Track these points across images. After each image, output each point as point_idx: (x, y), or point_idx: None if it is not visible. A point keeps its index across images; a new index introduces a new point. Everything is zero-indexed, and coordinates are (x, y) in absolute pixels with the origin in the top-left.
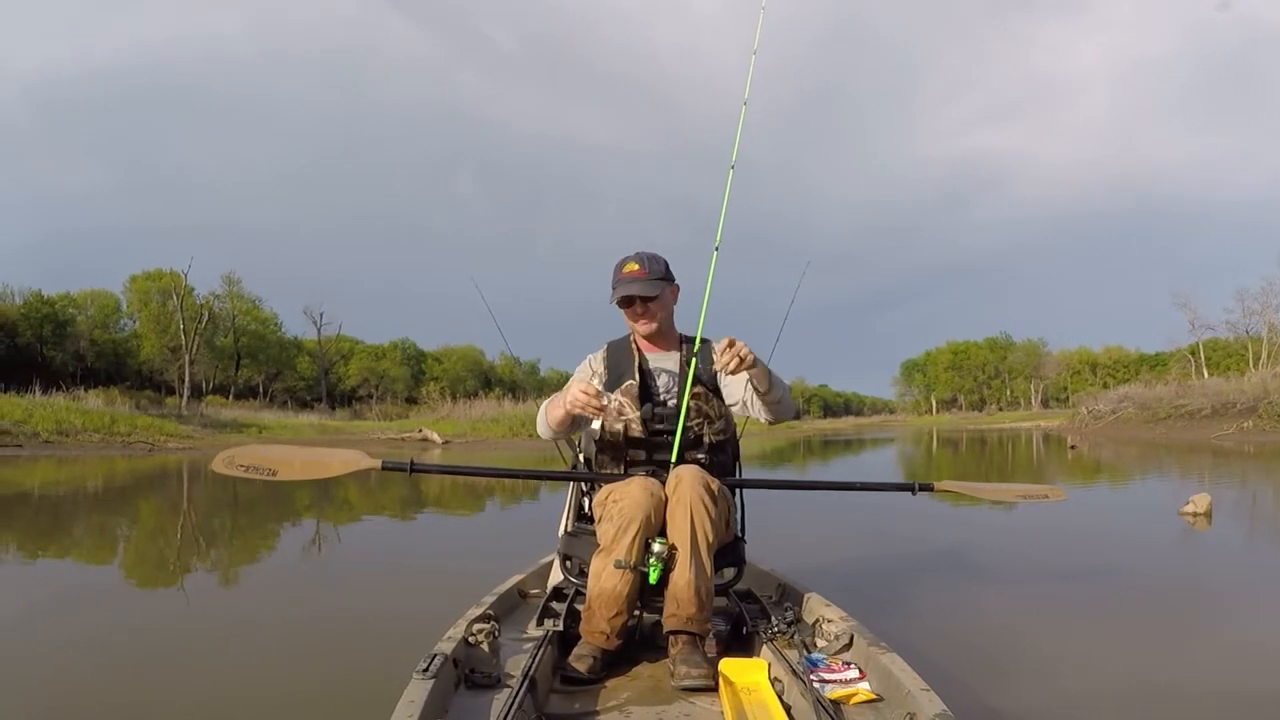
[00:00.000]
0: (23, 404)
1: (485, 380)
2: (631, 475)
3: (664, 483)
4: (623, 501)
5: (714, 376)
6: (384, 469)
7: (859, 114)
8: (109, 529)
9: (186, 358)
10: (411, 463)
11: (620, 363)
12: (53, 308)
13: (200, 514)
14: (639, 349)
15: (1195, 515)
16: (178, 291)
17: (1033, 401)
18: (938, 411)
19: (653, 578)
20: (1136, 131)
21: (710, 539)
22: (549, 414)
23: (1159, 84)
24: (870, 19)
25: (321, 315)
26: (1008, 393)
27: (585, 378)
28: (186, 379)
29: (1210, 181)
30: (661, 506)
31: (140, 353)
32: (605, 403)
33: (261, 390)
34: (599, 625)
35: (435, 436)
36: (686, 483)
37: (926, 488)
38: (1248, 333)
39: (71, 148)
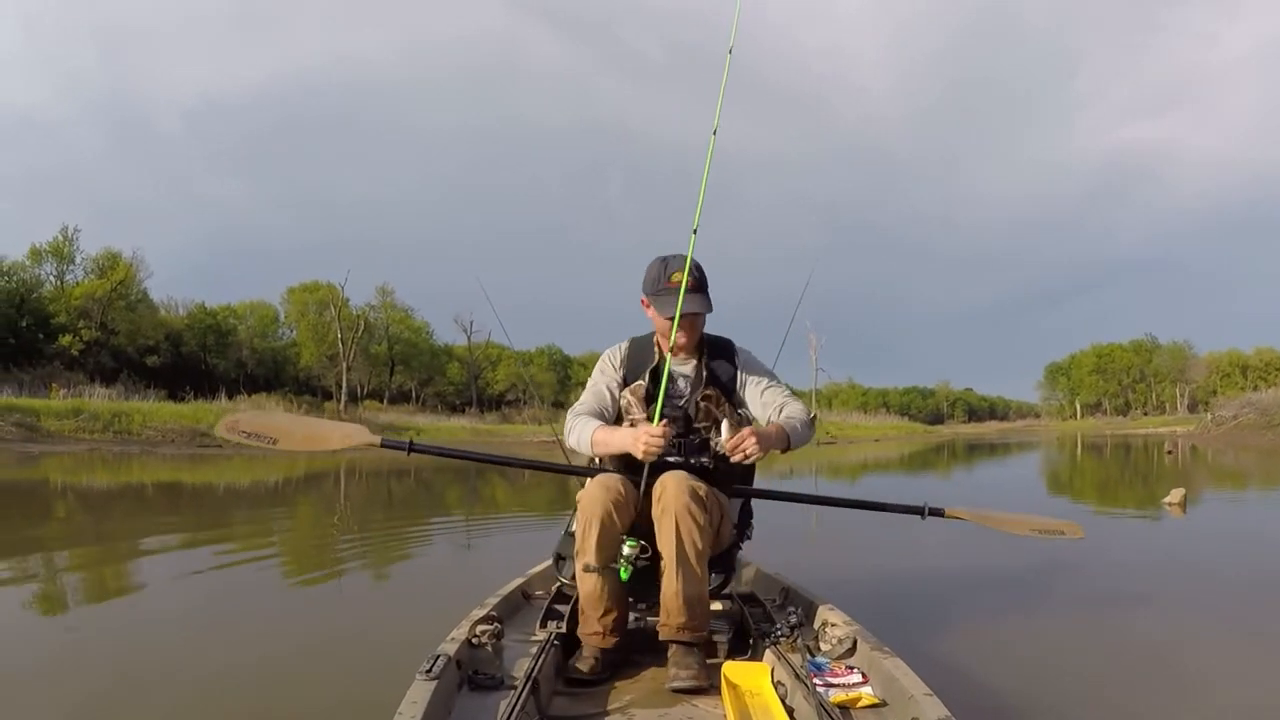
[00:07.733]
0: (214, 409)
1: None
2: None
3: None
4: (583, 502)
5: (733, 379)
6: (383, 446)
7: (1010, 105)
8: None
9: (344, 364)
10: (411, 442)
11: (641, 362)
12: (215, 318)
13: (351, 509)
14: (659, 349)
15: (1172, 505)
16: (335, 302)
17: (1179, 406)
18: (1081, 416)
19: (623, 575)
20: None
21: (700, 546)
22: (599, 444)
23: None
24: (1016, 7)
25: (471, 323)
26: (1153, 397)
27: (608, 374)
28: (344, 385)
29: None
30: (626, 503)
31: (299, 360)
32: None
33: (414, 395)
34: (592, 626)
35: None
36: (671, 490)
37: (937, 512)
38: None
39: (228, 168)
